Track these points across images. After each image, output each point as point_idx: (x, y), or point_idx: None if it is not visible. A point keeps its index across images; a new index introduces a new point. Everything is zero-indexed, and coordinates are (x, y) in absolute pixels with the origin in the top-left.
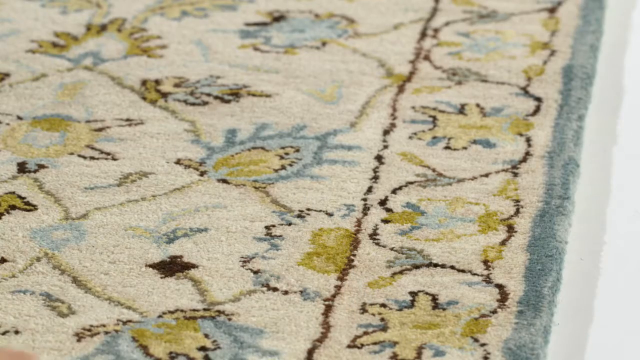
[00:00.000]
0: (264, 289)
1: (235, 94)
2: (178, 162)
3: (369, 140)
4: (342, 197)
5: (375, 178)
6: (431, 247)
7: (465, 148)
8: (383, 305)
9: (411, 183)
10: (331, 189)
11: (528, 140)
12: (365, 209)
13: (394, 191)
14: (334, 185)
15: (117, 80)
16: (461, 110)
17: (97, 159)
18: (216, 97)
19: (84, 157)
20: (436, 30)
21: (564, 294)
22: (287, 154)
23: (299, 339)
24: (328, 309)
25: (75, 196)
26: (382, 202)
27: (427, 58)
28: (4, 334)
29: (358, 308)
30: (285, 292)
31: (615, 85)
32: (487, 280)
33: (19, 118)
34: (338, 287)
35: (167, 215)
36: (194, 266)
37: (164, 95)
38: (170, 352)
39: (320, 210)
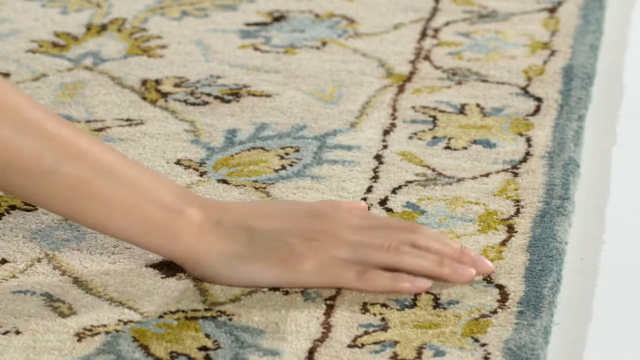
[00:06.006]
0: (265, 289)
1: (235, 94)
2: (178, 162)
3: (368, 140)
4: (342, 197)
5: (375, 178)
6: None
7: (465, 148)
8: (384, 305)
9: (411, 182)
10: (331, 189)
11: (528, 140)
12: None
13: (394, 191)
14: (334, 186)
15: (117, 80)
16: (461, 110)
17: None
18: (216, 97)
19: None
20: (436, 30)
21: (563, 294)
22: (287, 154)
23: (299, 339)
24: (329, 309)
25: None
26: (382, 202)
27: (427, 58)
28: (4, 334)
29: (359, 308)
30: (286, 292)
31: (615, 85)
32: (488, 280)
33: None
34: (338, 288)
35: None
36: None
37: (164, 95)
38: (171, 352)
39: None
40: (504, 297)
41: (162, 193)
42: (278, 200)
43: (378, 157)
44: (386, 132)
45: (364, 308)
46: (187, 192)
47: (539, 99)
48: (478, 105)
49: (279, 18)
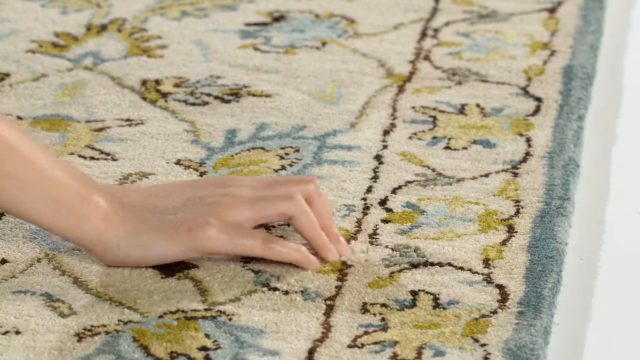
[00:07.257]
0: (265, 289)
1: (235, 94)
2: (178, 162)
3: (368, 140)
4: (342, 197)
5: (375, 178)
6: (431, 246)
7: (465, 148)
8: (384, 305)
9: (411, 182)
10: (331, 189)
11: (528, 140)
12: (365, 209)
13: (393, 191)
14: (334, 186)
15: (117, 80)
16: (461, 110)
17: (97, 159)
18: (216, 97)
19: (84, 158)
20: (436, 30)
21: (563, 294)
22: (287, 154)
23: (299, 339)
24: (329, 309)
25: None
26: (382, 202)
27: (427, 58)
28: (4, 334)
29: (359, 308)
30: (286, 292)
31: (615, 85)
32: (488, 280)
33: (19, 118)
34: (338, 288)
35: None
36: (194, 266)
37: (164, 95)
38: (171, 352)
39: None
40: (504, 297)
41: (69, 178)
42: (179, 180)
43: (378, 157)
44: (386, 132)
45: (364, 308)
46: (90, 179)
47: (539, 99)
48: (478, 105)
49: (279, 18)
